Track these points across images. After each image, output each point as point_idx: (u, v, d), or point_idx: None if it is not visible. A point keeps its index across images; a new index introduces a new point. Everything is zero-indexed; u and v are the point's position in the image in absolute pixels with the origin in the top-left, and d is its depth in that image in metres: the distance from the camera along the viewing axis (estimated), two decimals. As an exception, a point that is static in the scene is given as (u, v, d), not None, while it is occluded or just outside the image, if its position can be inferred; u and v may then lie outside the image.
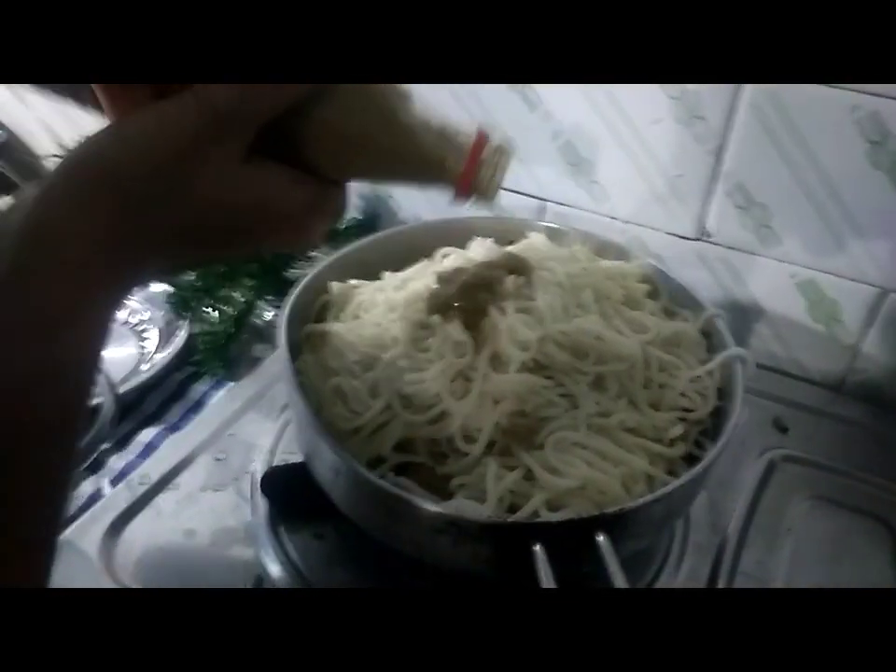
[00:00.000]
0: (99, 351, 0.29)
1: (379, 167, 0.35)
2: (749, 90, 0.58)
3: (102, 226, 0.28)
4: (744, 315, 0.67)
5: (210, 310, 0.80)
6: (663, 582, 0.50)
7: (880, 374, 0.66)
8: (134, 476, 0.56)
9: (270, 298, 0.80)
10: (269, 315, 0.82)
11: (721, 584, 0.50)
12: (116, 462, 0.70)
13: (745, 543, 0.53)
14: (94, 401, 0.72)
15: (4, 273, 0.26)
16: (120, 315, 0.94)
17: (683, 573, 0.51)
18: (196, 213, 0.30)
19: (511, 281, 0.50)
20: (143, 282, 0.33)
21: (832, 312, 0.64)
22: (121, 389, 0.74)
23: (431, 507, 0.39)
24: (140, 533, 0.52)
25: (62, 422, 0.28)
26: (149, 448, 0.73)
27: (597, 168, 0.67)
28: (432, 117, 0.35)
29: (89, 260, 0.28)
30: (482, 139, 0.34)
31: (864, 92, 0.54)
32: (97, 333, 0.29)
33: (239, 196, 0.31)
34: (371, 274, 0.57)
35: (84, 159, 0.29)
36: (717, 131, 0.60)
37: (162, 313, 0.92)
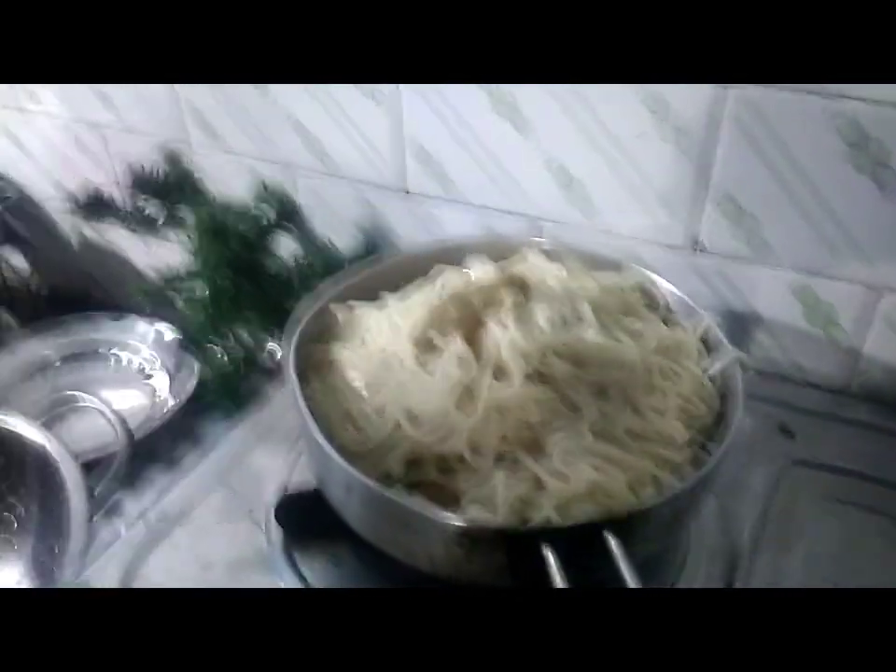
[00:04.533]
0: None
1: None
2: (729, 101, 0.59)
3: None
4: (743, 324, 0.68)
5: (218, 350, 0.81)
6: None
7: (882, 374, 0.66)
8: (151, 514, 0.56)
9: (275, 334, 0.81)
10: (274, 352, 0.83)
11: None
12: (132, 506, 0.71)
13: (759, 548, 0.53)
14: (108, 450, 0.73)
15: None
16: (131, 362, 0.96)
17: (699, 580, 0.51)
18: None
19: (509, 296, 0.51)
20: None
21: (828, 315, 0.65)
22: (135, 435, 0.75)
23: (444, 517, 0.40)
24: (158, 569, 0.52)
25: None
26: (164, 490, 0.74)
27: (588, 187, 0.69)
28: None
29: None
30: None
31: (843, 97, 0.56)
32: None
33: None
34: (372, 299, 0.58)
35: None
36: (701, 144, 0.62)
37: (173, 357, 0.93)
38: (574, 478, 0.42)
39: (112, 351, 0.96)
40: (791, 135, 0.59)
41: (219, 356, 0.80)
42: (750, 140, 0.60)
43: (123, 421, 0.74)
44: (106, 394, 0.82)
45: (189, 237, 0.80)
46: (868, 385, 0.67)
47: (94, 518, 0.63)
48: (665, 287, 0.57)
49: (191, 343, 0.83)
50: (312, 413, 0.47)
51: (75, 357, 0.96)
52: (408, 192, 0.78)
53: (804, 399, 0.67)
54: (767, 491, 0.58)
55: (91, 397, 0.77)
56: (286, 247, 0.83)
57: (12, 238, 1.04)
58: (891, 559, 0.53)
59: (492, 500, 0.43)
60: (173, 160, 0.88)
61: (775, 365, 0.70)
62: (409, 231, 0.80)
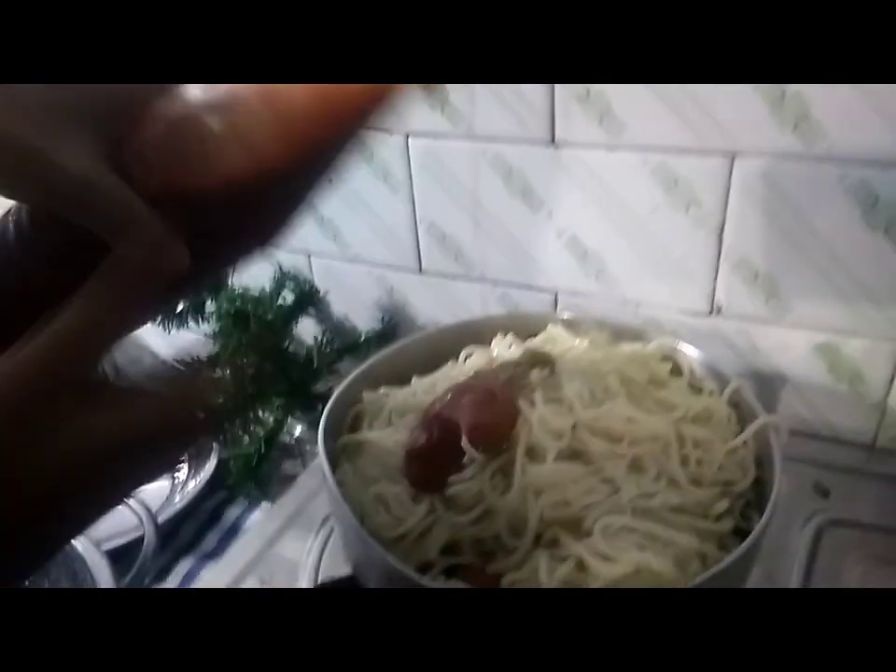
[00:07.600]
0: None
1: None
2: (738, 172, 0.61)
3: None
4: (768, 384, 0.68)
5: (240, 431, 0.81)
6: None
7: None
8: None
9: (298, 414, 0.82)
10: (297, 432, 0.83)
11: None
12: (157, 594, 0.70)
13: (806, 614, 0.52)
14: (134, 535, 0.72)
15: None
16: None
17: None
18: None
19: (536, 374, 0.51)
20: None
21: (853, 371, 0.65)
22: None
23: (488, 606, 0.39)
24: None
25: None
26: (188, 577, 0.73)
27: (604, 258, 0.70)
28: None
29: None
30: None
31: (850, 161, 0.57)
32: None
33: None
34: (399, 381, 0.58)
35: None
36: (713, 213, 0.63)
37: (192, 440, 0.93)
38: (619, 558, 0.41)
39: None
40: (801, 199, 0.60)
41: (242, 439, 0.80)
42: (762, 206, 0.61)
43: (148, 509, 0.74)
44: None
45: (208, 323, 0.82)
46: (896, 439, 0.67)
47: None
48: (690, 352, 0.57)
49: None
50: (346, 500, 0.46)
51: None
52: (424, 272, 0.80)
53: (835, 456, 0.67)
54: (808, 553, 0.57)
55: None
56: (306, 329, 0.84)
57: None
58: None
59: (534, 583, 0.42)
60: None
61: (804, 423, 0.69)
62: (427, 309, 0.82)
